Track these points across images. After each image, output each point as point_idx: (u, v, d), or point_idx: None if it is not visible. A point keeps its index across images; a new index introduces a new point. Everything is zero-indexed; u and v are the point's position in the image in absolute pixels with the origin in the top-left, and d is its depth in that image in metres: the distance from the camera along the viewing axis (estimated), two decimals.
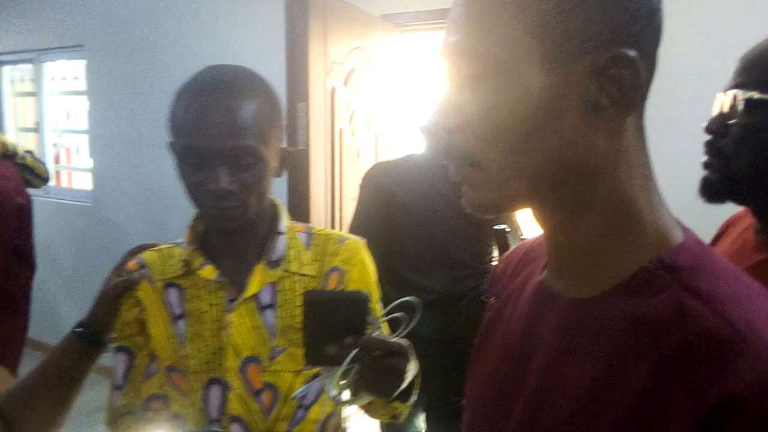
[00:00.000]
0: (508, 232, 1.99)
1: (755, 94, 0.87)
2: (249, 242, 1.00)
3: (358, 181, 2.46)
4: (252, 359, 0.97)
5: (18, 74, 4.67)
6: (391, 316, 0.91)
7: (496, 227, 1.88)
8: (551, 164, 0.50)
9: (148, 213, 3.76)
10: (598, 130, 0.49)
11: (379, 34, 2.62)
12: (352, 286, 0.90)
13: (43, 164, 2.37)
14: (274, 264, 0.99)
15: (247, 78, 0.95)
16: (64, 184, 4.78)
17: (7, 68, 4.66)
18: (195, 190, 0.91)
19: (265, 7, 3.10)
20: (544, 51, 0.48)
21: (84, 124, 4.16)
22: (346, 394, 0.84)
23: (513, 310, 0.63)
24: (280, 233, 1.01)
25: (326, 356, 0.82)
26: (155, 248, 1.06)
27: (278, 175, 0.99)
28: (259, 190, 0.92)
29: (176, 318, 1.00)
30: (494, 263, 2.06)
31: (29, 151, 2.30)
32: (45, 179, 2.35)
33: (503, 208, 0.55)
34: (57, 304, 4.21)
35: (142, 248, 1.08)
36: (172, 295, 1.00)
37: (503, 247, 1.99)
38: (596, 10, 0.47)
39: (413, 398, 0.95)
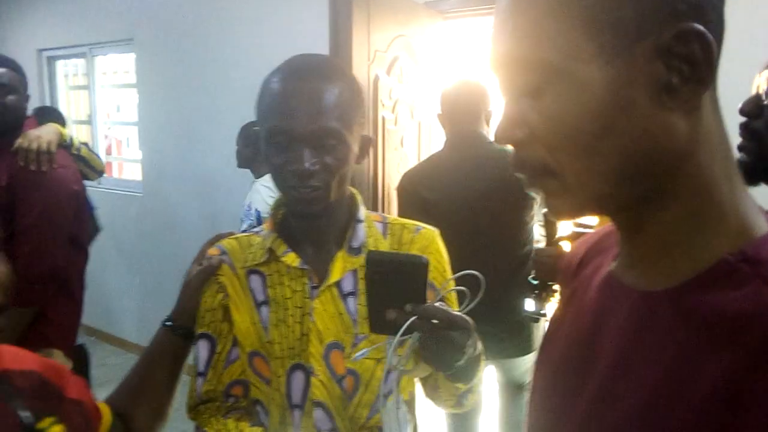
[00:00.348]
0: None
1: None
2: (330, 229, 1.01)
3: (401, 170, 2.45)
4: (335, 345, 0.99)
5: (71, 68, 4.83)
6: (453, 288, 0.91)
7: (545, 211, 1.86)
8: (629, 159, 0.48)
9: (197, 203, 3.84)
10: (674, 111, 0.46)
11: (422, 22, 2.59)
12: (429, 275, 0.90)
13: (98, 156, 2.43)
14: (355, 251, 1.00)
15: (332, 65, 0.98)
16: (115, 174, 4.94)
17: (60, 63, 4.82)
18: (279, 172, 0.93)
19: None
20: (599, 45, 0.46)
21: (134, 116, 4.28)
22: (403, 362, 0.85)
23: (582, 301, 0.61)
24: (359, 221, 1.03)
25: (387, 322, 0.82)
26: (233, 236, 1.08)
27: (358, 162, 1.00)
28: (341, 174, 0.94)
29: (260, 304, 1.01)
30: (538, 247, 2.04)
31: (85, 143, 2.36)
32: (100, 172, 2.42)
33: (587, 211, 0.54)
34: (108, 292, 4.36)
35: (220, 237, 1.10)
36: (255, 281, 1.02)
37: (551, 231, 1.97)
38: None
39: (475, 379, 0.95)
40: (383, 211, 2.40)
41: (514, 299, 2.07)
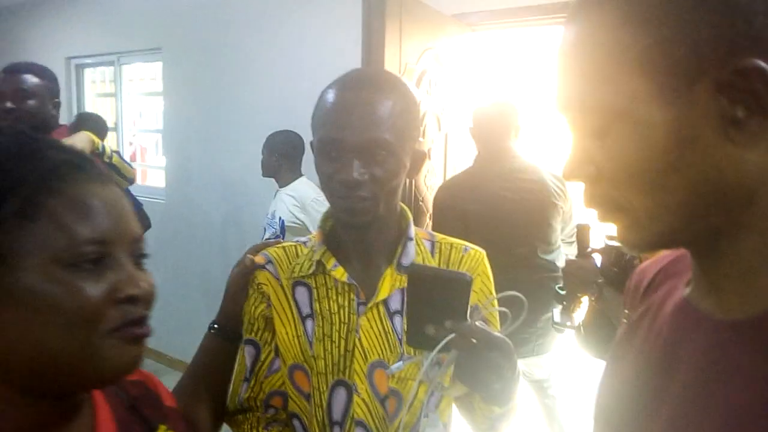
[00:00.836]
0: (589, 228, 1.99)
1: None
2: (378, 244, 1.00)
3: (428, 182, 2.46)
4: (379, 364, 0.97)
5: (98, 76, 4.90)
6: (495, 308, 0.89)
7: (579, 223, 1.87)
8: (698, 193, 0.48)
9: (220, 210, 3.87)
10: (743, 144, 0.46)
11: (451, 34, 2.60)
12: (474, 297, 0.90)
13: (129, 164, 2.46)
14: (404, 269, 0.98)
15: (388, 77, 0.98)
16: (138, 181, 4.98)
17: (88, 71, 4.90)
18: (328, 181, 0.93)
19: (340, 7, 3.13)
20: (658, 86, 0.47)
21: (156, 123, 4.33)
22: (439, 378, 0.83)
23: (652, 325, 0.61)
24: (410, 238, 1.01)
25: (425, 337, 0.81)
26: (279, 245, 1.07)
27: (410, 176, 0.99)
28: (390, 187, 0.93)
29: (305, 317, 1.00)
30: (570, 258, 2.05)
31: (116, 151, 2.39)
32: (130, 179, 2.45)
33: (661, 244, 0.54)
34: None
35: (266, 245, 1.10)
36: (301, 293, 1.01)
37: (583, 243, 1.96)
38: (703, 28, 0.45)
39: (511, 403, 0.93)
40: None
41: (543, 306, 2.13)
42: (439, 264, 1.02)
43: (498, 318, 1.01)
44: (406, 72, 2.22)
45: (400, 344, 0.97)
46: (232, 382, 1.05)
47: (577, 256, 2.01)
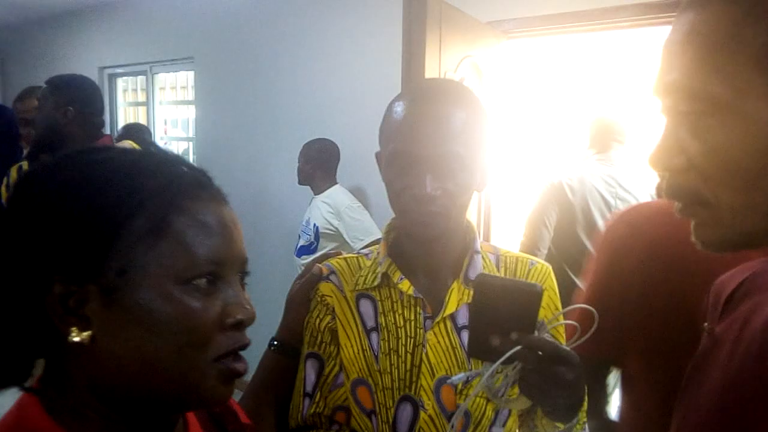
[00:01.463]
0: None
1: None
2: (445, 257, 0.98)
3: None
4: (446, 380, 0.94)
5: (130, 84, 4.99)
6: (562, 322, 0.87)
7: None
8: None
9: (251, 217, 3.89)
10: None
11: (487, 42, 2.60)
12: (540, 313, 0.89)
13: None
14: (471, 283, 0.95)
15: (459, 89, 0.95)
16: None
17: (121, 79, 4.99)
18: (398, 195, 0.91)
19: (377, 14, 3.15)
20: None
21: (187, 131, 4.38)
22: (502, 390, 0.81)
23: (738, 341, 0.59)
24: (477, 252, 0.99)
25: (489, 348, 0.78)
26: (341, 256, 1.06)
27: (480, 190, 0.97)
28: (462, 201, 0.92)
29: (369, 331, 0.98)
30: None
31: None
32: None
33: (739, 245, 0.52)
34: None
35: (327, 256, 1.08)
36: (365, 306, 0.99)
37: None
38: None
39: (575, 419, 0.89)
40: None
41: None
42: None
43: (564, 333, 0.98)
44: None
45: (468, 360, 0.95)
46: (292, 398, 1.02)
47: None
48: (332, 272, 1.02)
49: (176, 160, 0.61)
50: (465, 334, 0.95)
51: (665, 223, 0.96)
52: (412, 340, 0.96)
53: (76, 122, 2.14)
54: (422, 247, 0.97)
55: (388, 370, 0.95)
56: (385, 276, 0.98)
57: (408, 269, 0.98)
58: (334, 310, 0.99)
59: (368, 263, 1.02)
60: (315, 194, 2.99)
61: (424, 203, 0.88)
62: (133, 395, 0.56)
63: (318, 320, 1.00)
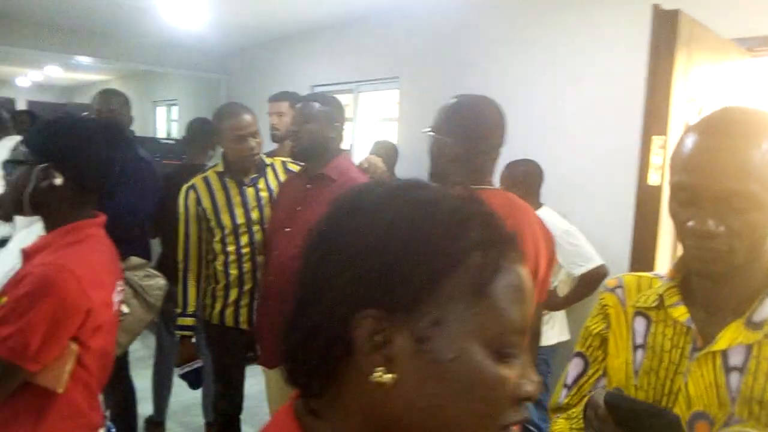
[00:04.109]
0: None
1: None
2: (730, 293, 0.93)
3: None
4: (703, 416, 0.92)
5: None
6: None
7: None
8: None
9: None
10: None
11: (732, 60, 2.40)
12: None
13: None
14: (755, 326, 0.90)
15: (759, 120, 0.89)
16: None
17: None
18: (680, 228, 0.91)
19: (603, 31, 3.07)
20: None
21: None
22: None
23: None
24: None
25: None
26: (636, 273, 1.09)
27: None
28: (753, 239, 0.87)
29: (636, 347, 1.01)
30: None
31: None
32: None
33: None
34: None
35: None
36: (639, 323, 1.02)
37: None
38: None
39: None
40: None
41: None
42: None
43: None
44: (690, 102, 2.09)
45: (732, 403, 0.89)
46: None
47: None
48: (619, 286, 1.07)
49: (488, 213, 0.57)
50: (734, 376, 0.90)
51: None
52: (675, 366, 0.95)
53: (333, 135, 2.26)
54: (704, 280, 0.96)
55: (645, 388, 0.97)
56: (661, 298, 0.99)
57: (689, 297, 0.98)
58: (610, 321, 1.05)
59: (658, 284, 1.03)
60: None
61: (702, 239, 0.86)
62: None
63: (594, 325, 1.07)
